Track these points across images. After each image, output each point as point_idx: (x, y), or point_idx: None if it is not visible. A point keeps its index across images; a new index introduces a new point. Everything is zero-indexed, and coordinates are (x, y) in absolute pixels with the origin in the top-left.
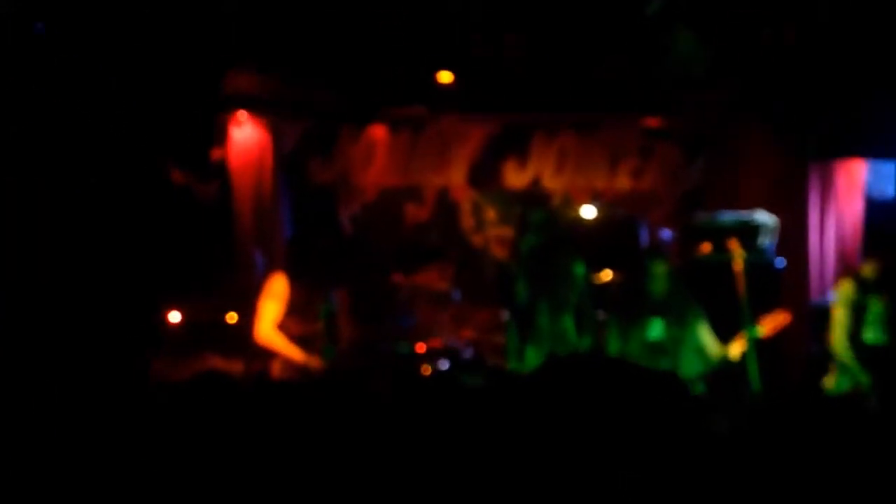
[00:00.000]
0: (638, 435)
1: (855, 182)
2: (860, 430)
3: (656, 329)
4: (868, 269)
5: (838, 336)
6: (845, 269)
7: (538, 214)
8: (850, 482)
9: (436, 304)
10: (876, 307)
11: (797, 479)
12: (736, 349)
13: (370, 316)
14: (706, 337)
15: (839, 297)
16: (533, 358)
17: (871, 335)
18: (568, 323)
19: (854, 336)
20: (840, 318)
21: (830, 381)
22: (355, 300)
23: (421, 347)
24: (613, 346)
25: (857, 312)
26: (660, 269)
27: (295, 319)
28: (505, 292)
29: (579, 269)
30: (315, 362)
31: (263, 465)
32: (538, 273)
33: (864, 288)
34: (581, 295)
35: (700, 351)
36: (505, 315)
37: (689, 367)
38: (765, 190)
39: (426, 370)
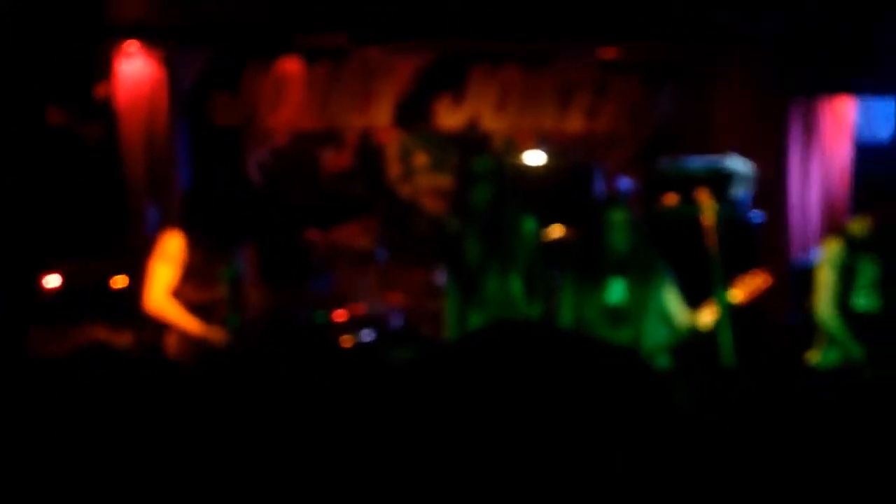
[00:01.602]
0: (584, 421)
1: (842, 123)
2: (853, 410)
3: (616, 292)
4: (857, 226)
5: (825, 302)
6: (832, 224)
7: (483, 161)
8: (840, 469)
9: (358, 265)
10: (867, 269)
11: (776, 467)
12: (706, 317)
13: (281, 279)
14: (673, 301)
15: (825, 258)
16: (477, 326)
17: (861, 301)
18: (516, 286)
19: (843, 302)
20: (827, 281)
21: (816, 355)
22: (264, 261)
23: (341, 315)
24: (567, 311)
25: (846, 275)
26: (619, 219)
27: (193, 284)
28: (443, 251)
29: (529, 225)
30: (216, 334)
31: (151, 454)
32: (487, 230)
33: (854, 247)
34: (531, 254)
35: (666, 318)
36: (440, 277)
37: (653, 337)
38: (739, 132)
39: (347, 342)
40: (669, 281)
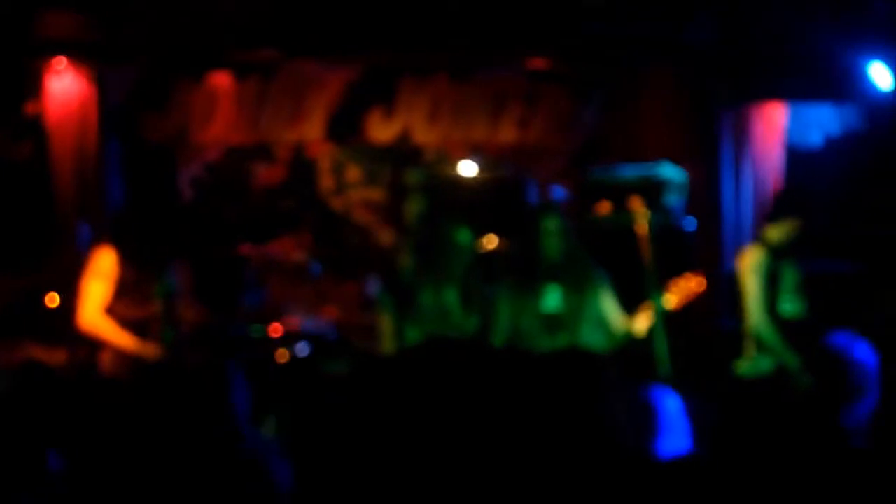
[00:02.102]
0: (518, 432)
1: (774, 129)
2: (790, 418)
3: (552, 300)
4: (776, 233)
5: (755, 311)
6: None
7: (415, 174)
8: (779, 479)
9: (292, 279)
10: (790, 275)
11: (716, 478)
12: (641, 323)
13: (215, 295)
14: (610, 307)
15: (749, 266)
16: (413, 339)
17: (787, 307)
18: (451, 298)
19: (770, 309)
20: (753, 289)
21: (745, 364)
22: (198, 277)
23: (276, 330)
24: (504, 321)
25: (771, 282)
26: (552, 227)
27: (126, 301)
28: (378, 264)
29: (463, 237)
30: (151, 351)
31: (88, 468)
32: (422, 242)
33: (775, 254)
34: (466, 266)
35: (602, 324)
36: (374, 290)
37: (590, 343)
38: (671, 140)
39: (283, 356)
40: (606, 287)
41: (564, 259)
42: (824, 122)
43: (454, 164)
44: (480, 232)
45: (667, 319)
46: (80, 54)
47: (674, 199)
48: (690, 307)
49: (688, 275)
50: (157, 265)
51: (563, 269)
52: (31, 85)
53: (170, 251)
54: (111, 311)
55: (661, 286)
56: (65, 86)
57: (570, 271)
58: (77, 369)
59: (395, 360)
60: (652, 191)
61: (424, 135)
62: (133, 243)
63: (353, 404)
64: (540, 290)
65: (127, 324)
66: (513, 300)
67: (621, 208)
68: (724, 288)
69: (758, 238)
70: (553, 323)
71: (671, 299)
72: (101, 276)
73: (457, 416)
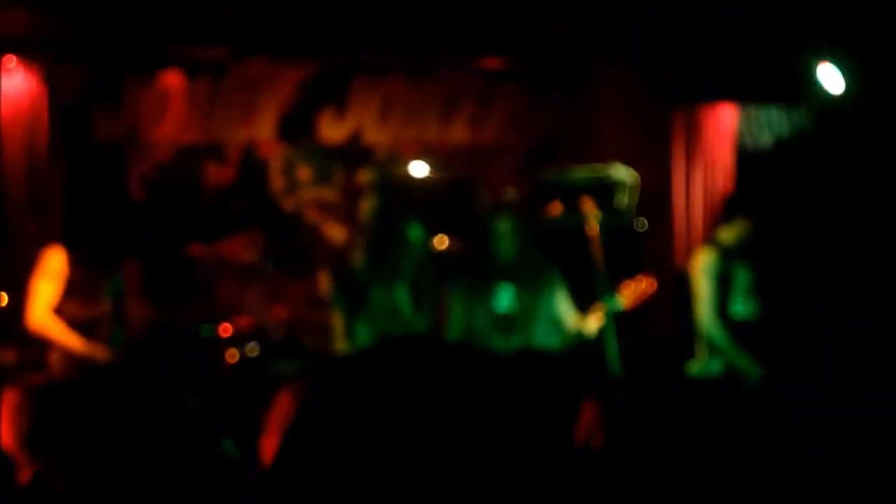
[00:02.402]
0: (477, 431)
1: (725, 130)
2: (740, 419)
3: (505, 299)
4: (727, 234)
5: (706, 312)
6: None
7: (368, 173)
8: (728, 478)
9: (243, 279)
10: (742, 276)
11: (666, 477)
12: (592, 323)
13: (166, 294)
14: (563, 307)
15: (700, 268)
16: (364, 337)
17: (739, 308)
18: (402, 297)
19: (722, 311)
20: (704, 291)
21: (696, 364)
22: (148, 276)
23: (226, 330)
24: (456, 321)
25: (722, 284)
26: (504, 227)
27: (75, 301)
28: (329, 263)
29: (415, 235)
30: (100, 352)
31: (37, 469)
32: (374, 240)
33: (727, 255)
34: (417, 265)
35: (556, 324)
36: (325, 289)
37: (543, 343)
38: (622, 140)
39: (233, 356)
40: (559, 286)
41: (517, 259)
42: (774, 123)
43: (406, 164)
44: (433, 232)
45: (618, 320)
46: (30, 52)
47: (625, 201)
48: (642, 308)
49: (639, 276)
50: (107, 265)
51: (516, 269)
52: None
53: (120, 251)
54: (60, 311)
55: (612, 287)
56: (14, 84)
57: (524, 271)
58: (26, 369)
59: (350, 358)
60: (603, 192)
61: (376, 135)
62: (83, 243)
63: (310, 405)
64: (492, 291)
65: (76, 324)
66: (465, 300)
67: (573, 209)
68: (676, 289)
69: (709, 239)
70: (506, 323)
71: (623, 300)
72: (50, 276)
73: (415, 415)
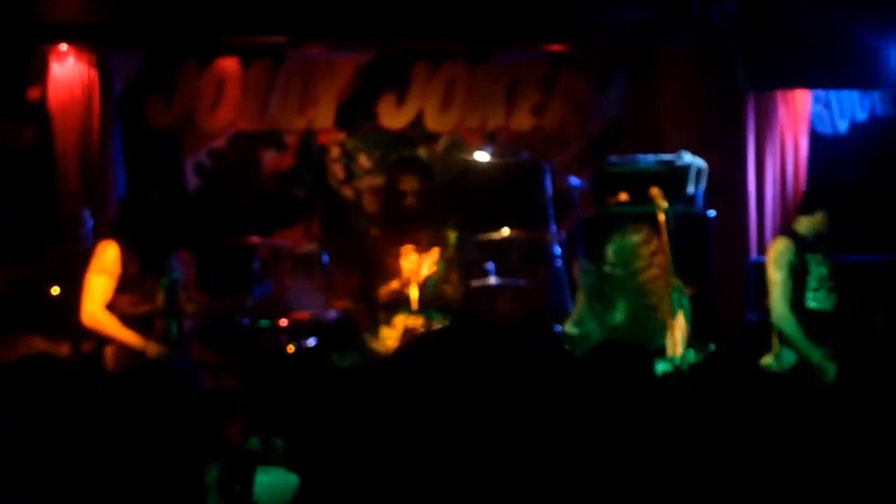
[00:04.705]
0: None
1: (799, 116)
2: (808, 416)
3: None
4: (804, 225)
5: (779, 303)
6: (790, 219)
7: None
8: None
9: (300, 270)
10: (818, 268)
11: (729, 470)
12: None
13: (221, 286)
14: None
15: (774, 257)
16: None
17: (814, 302)
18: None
19: (797, 303)
20: (778, 281)
21: (770, 358)
22: (202, 268)
23: (284, 322)
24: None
25: (798, 275)
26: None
27: (129, 296)
28: None
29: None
30: (154, 347)
31: (94, 463)
32: None
33: (802, 246)
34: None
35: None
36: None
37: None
38: (692, 127)
39: (290, 349)
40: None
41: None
42: (849, 108)
43: (468, 152)
44: (497, 220)
45: (692, 311)
46: (83, 38)
47: (695, 189)
48: (716, 298)
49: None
50: (161, 257)
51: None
52: (34, 70)
53: (175, 242)
54: (114, 306)
55: (681, 276)
56: (68, 71)
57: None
58: (82, 363)
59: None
60: (672, 180)
61: (437, 121)
62: (137, 235)
63: (364, 400)
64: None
65: (130, 319)
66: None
67: (641, 198)
68: (749, 279)
69: (785, 228)
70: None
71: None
72: (103, 272)
73: (479, 410)
